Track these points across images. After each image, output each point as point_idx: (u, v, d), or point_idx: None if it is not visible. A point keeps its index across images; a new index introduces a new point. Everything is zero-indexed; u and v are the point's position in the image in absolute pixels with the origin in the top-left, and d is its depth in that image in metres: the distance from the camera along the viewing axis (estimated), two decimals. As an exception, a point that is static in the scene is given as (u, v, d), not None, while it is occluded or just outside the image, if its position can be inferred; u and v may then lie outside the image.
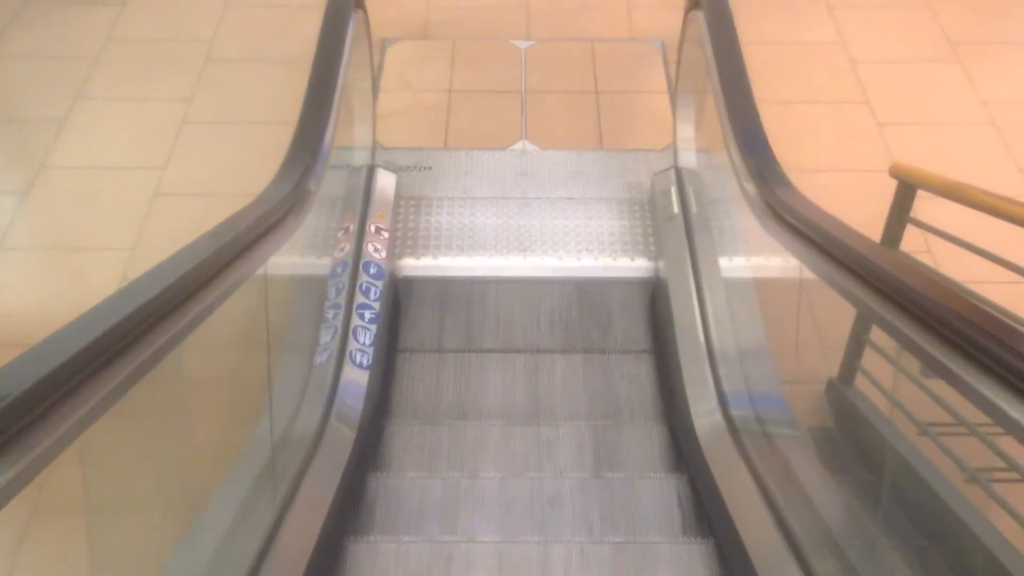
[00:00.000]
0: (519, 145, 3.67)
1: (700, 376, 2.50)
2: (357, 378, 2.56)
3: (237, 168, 3.43)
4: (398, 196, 3.35)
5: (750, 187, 2.20)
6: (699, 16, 2.83)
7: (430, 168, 3.56)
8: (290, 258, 2.89)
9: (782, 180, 2.13)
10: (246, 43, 4.12)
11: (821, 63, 4.03)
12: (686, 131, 3.31)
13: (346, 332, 2.72)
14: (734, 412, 2.33)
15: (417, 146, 3.66)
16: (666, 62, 4.08)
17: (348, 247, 2.96)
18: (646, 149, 3.62)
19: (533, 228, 3.30)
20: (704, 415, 2.38)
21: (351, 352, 2.67)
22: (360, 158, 3.35)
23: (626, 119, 3.81)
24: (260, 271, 1.92)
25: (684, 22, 3.12)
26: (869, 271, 1.60)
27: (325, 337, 2.73)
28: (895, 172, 2.20)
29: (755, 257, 3.09)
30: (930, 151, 3.58)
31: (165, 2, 4.35)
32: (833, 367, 2.74)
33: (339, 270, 2.90)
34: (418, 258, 3.21)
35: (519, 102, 3.88)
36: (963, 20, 4.21)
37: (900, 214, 2.20)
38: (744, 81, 2.49)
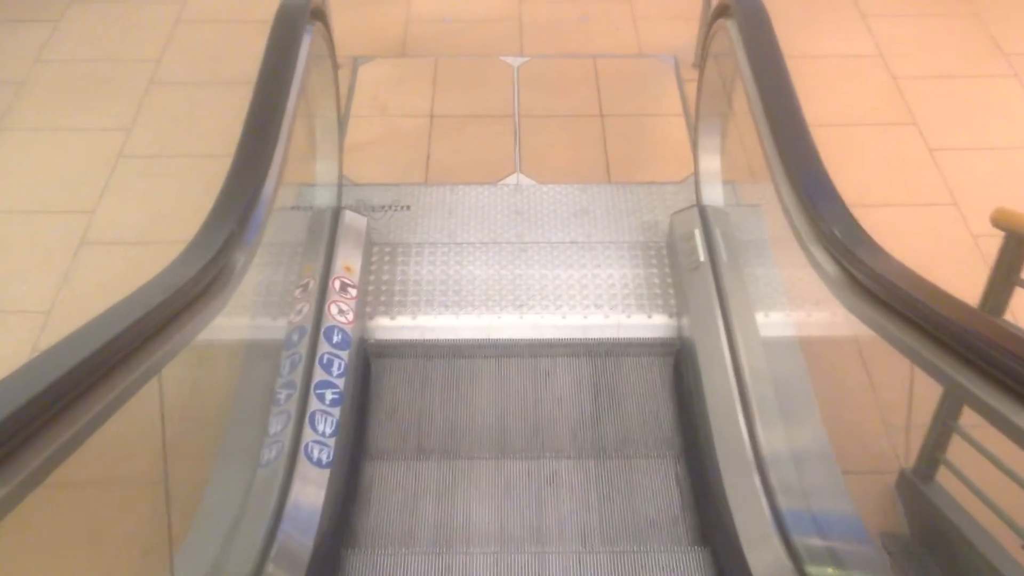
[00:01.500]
0: (512, 179, 3.21)
1: (747, 488, 2.02)
2: (312, 487, 2.08)
3: (180, 209, 2.95)
4: (369, 243, 2.88)
5: (819, 253, 1.74)
6: (729, 26, 2.38)
7: (408, 208, 3.09)
8: (228, 327, 2.41)
9: (862, 242, 1.66)
10: (197, 63, 3.66)
11: (859, 79, 3.58)
12: (710, 162, 2.85)
13: (301, 419, 2.24)
14: (795, 539, 1.85)
15: (393, 181, 3.19)
16: (680, 80, 3.63)
17: (307, 309, 2.49)
18: (661, 182, 3.16)
19: (531, 279, 2.83)
20: (757, 543, 1.89)
21: (307, 446, 2.19)
22: (324, 198, 2.88)
23: (637, 147, 3.35)
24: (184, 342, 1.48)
25: (707, 34, 2.66)
26: (973, 347, 1.27)
27: (275, 426, 2.25)
28: (1000, 221, 1.74)
29: (805, 318, 2.63)
30: (992, 181, 3.13)
31: (106, 18, 3.90)
32: (906, 454, 2.27)
33: (295, 338, 2.42)
34: (393, 318, 2.73)
35: (512, 128, 3.42)
36: (1017, 28, 3.78)
37: (1008, 273, 1.74)
38: (795, 108, 2.04)
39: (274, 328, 2.49)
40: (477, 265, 2.86)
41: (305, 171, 2.88)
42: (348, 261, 2.69)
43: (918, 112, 3.41)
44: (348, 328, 2.48)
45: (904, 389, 2.18)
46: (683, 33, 3.77)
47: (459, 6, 4.04)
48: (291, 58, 2.19)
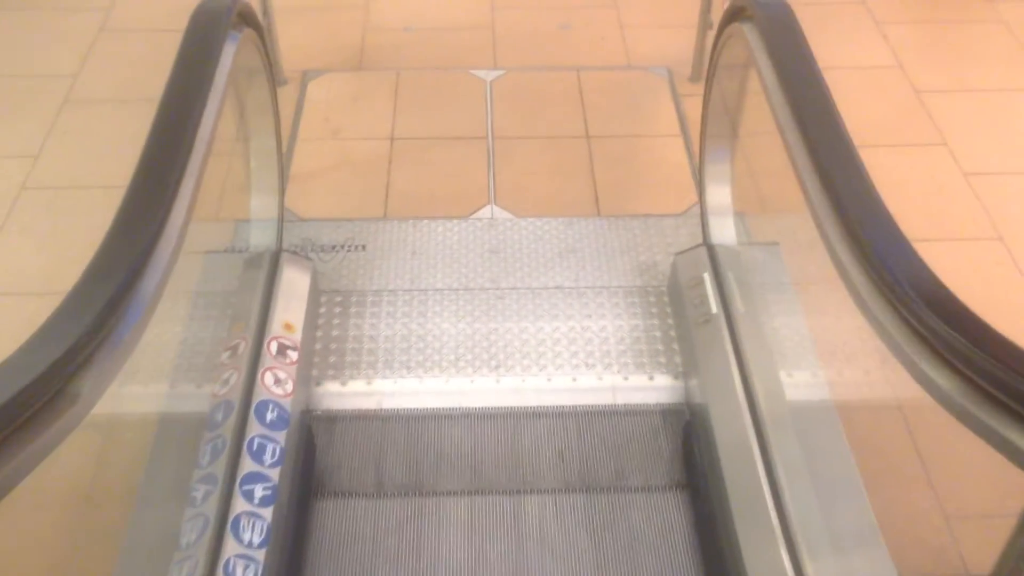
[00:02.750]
0: (486, 211, 2.80)
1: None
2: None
3: (91, 252, 2.51)
4: (316, 292, 2.45)
5: (882, 310, 1.34)
6: (747, 31, 1.99)
7: (363, 247, 2.67)
8: (132, 402, 2.00)
9: (945, 300, 1.27)
10: (119, 78, 3.23)
11: (878, 93, 3.22)
12: (719, 194, 2.46)
13: (223, 525, 1.80)
14: None
15: (346, 216, 2.77)
16: (676, 95, 3.24)
17: (235, 379, 2.05)
18: (659, 215, 2.76)
19: (509, 334, 2.42)
20: None
21: (228, 563, 1.75)
22: (261, 238, 2.45)
23: (629, 173, 2.95)
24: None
25: (716, 42, 2.27)
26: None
27: (189, 535, 1.81)
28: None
29: (844, 379, 2.24)
30: (1037, 210, 2.77)
31: (17, 28, 3.46)
32: (975, 556, 1.88)
33: (219, 417, 1.98)
34: (344, 383, 2.31)
35: (485, 152, 3.02)
36: (1049, 36, 3.45)
37: None
38: (839, 127, 1.65)
39: (193, 404, 2.05)
40: (445, 318, 2.44)
41: (238, 206, 2.45)
42: (288, 317, 2.26)
43: (947, 130, 3.04)
44: (286, 402, 2.05)
45: (974, 473, 1.79)
46: (677, 42, 3.39)
47: (424, 13, 3.64)
48: (206, 72, 1.77)
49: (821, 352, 2.27)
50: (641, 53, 3.45)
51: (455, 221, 2.75)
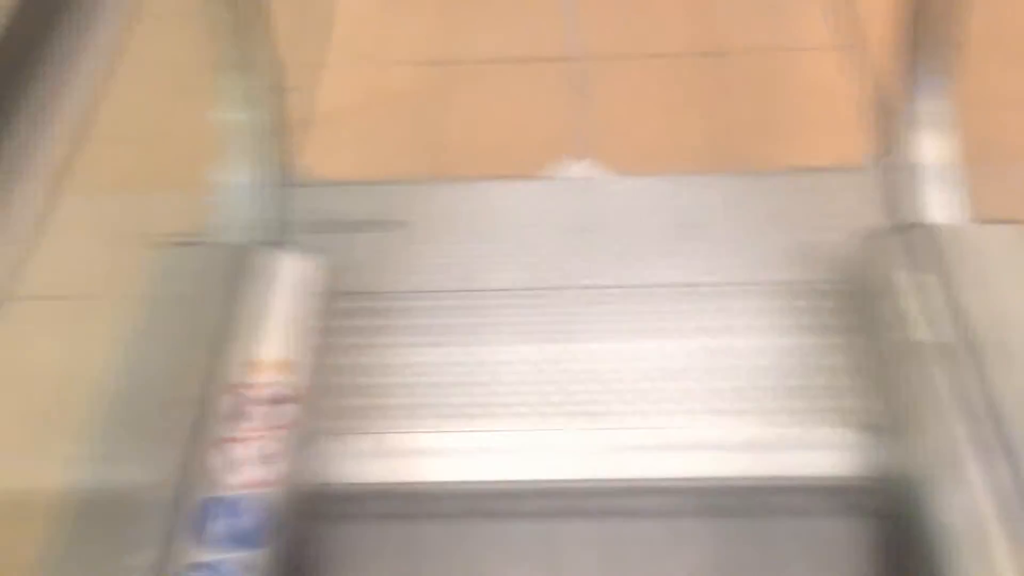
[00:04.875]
0: (573, 168, 2.00)
1: None
2: None
3: None
4: (327, 297, 1.72)
5: None
6: None
7: (404, 224, 1.92)
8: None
9: None
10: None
11: None
12: (937, 143, 1.58)
13: None
14: None
15: (379, 178, 2.02)
16: (837, -12, 2.32)
17: (182, 459, 1.36)
18: (825, 168, 1.90)
19: (603, 360, 1.64)
20: None
21: None
22: (241, 221, 1.72)
23: (773, 106, 2.09)
24: None
25: None
26: None
27: None
28: None
29: None
30: None
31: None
32: None
33: (150, 527, 1.29)
34: (361, 441, 1.58)
35: (569, 80, 2.20)
36: None
37: None
38: None
39: (105, 501, 1.37)
40: (508, 337, 1.68)
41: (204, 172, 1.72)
42: (279, 348, 1.54)
43: None
44: (262, 499, 1.34)
45: None
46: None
47: None
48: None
49: None
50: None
51: (528, 183, 1.96)
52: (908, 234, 1.54)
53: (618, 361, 1.63)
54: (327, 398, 1.60)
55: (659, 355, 1.64)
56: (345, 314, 1.75)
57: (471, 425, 1.57)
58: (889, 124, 1.73)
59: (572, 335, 1.67)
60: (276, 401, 1.46)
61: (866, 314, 1.59)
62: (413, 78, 2.23)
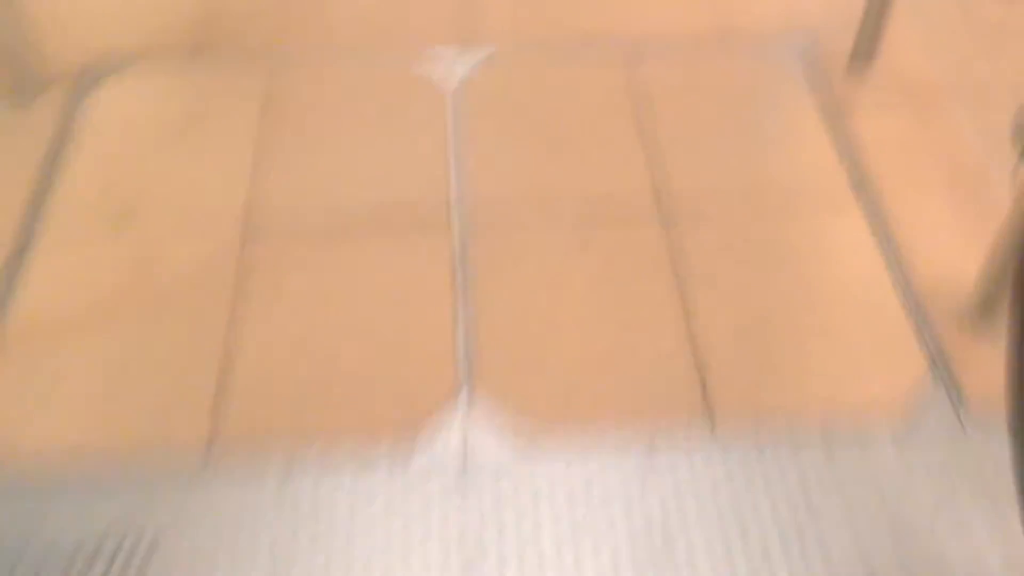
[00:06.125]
0: (450, 435, 1.19)
1: None
2: None
3: None
4: None
5: None
6: None
7: (154, 544, 1.07)
8: None
9: None
10: None
11: None
12: None
13: None
14: None
15: (119, 448, 1.17)
16: (827, 110, 1.60)
17: None
18: (855, 421, 1.17)
19: None
20: None
21: None
22: None
23: (762, 310, 1.35)
24: None
25: None
26: None
27: None
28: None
29: None
30: None
31: None
32: None
33: None
34: None
35: (448, 261, 1.40)
36: None
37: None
38: None
39: None
40: None
41: None
42: None
43: None
44: None
45: None
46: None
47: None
48: None
49: None
50: (753, 10, 1.80)
51: (376, 468, 1.14)
52: None
53: None
54: None
55: None
56: None
57: None
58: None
59: None
60: None
61: None
62: (194, 257, 1.39)
